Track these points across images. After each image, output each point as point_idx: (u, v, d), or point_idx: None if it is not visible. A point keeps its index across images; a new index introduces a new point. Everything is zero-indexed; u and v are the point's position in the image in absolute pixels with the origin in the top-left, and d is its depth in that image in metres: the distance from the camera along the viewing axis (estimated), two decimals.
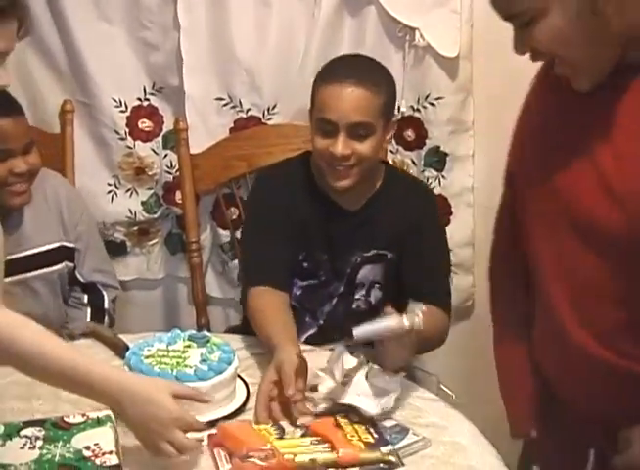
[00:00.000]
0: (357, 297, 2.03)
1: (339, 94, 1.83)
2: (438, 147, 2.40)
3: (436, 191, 2.42)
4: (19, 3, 1.53)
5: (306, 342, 1.90)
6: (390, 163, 2.39)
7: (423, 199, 2.06)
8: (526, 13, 1.31)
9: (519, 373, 1.62)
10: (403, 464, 1.40)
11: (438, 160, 2.41)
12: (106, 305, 2.19)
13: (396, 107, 2.02)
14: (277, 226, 1.95)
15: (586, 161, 1.39)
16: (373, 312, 1.87)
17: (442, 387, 1.74)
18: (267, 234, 1.95)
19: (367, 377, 1.53)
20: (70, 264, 2.14)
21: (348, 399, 1.50)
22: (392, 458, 1.40)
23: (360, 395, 1.50)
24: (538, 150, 1.52)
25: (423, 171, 2.43)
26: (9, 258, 1.94)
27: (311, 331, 2.03)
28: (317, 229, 1.98)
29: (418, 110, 2.38)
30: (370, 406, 1.49)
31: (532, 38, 1.33)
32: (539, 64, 1.49)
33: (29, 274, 2.06)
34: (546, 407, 1.57)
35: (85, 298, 2.18)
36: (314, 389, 1.58)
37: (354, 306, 2.04)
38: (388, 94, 1.89)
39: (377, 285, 2.03)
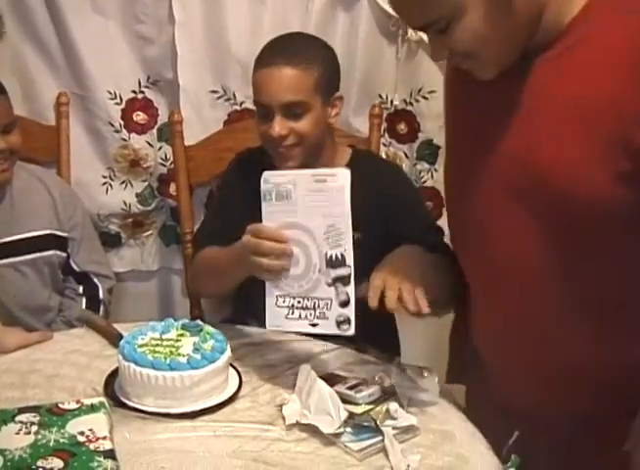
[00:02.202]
0: None
1: (268, 76, 1.86)
2: (431, 140, 2.42)
3: (429, 184, 2.44)
4: None
5: None
6: (383, 155, 2.42)
7: (389, 175, 2.05)
8: (441, 20, 1.31)
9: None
10: (382, 432, 1.41)
11: (431, 153, 2.43)
12: (101, 296, 2.21)
13: (338, 80, 1.99)
14: (236, 212, 1.92)
15: (500, 144, 1.42)
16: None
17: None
18: (226, 217, 1.98)
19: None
20: (62, 254, 2.16)
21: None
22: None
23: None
24: (457, 134, 1.59)
25: (415, 164, 2.45)
26: None
27: None
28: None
29: (410, 103, 2.41)
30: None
31: (451, 42, 1.34)
32: None
33: (18, 258, 2.09)
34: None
35: (80, 288, 2.21)
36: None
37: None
38: (324, 69, 1.89)
39: None
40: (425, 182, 2.46)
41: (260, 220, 1.66)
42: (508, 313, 1.50)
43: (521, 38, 1.35)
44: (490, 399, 1.60)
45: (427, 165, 2.44)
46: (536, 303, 1.45)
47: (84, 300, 2.19)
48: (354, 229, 1.80)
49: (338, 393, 1.49)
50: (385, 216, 1.96)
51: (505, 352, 1.55)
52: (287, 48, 1.90)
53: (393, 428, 1.43)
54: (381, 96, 2.41)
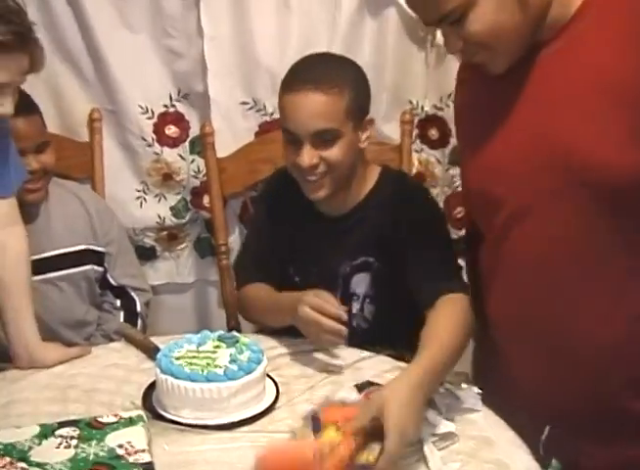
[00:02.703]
0: (354, 312, 1.92)
1: (295, 103, 1.74)
2: None
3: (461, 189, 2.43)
4: (27, 38, 1.56)
5: None
6: (415, 161, 2.41)
7: (410, 200, 1.89)
8: (456, 10, 1.35)
9: None
10: (421, 440, 1.40)
11: None
12: (139, 309, 2.23)
13: (369, 103, 1.87)
14: (267, 241, 1.99)
15: (506, 134, 1.49)
16: (372, 331, 1.92)
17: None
18: (264, 242, 2.00)
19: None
20: (98, 268, 2.18)
21: None
22: None
23: None
24: (470, 126, 1.63)
25: (448, 169, 2.44)
26: (37, 257, 2.01)
27: None
28: (304, 240, 1.94)
29: (441, 109, 2.40)
30: None
31: (465, 33, 1.38)
32: None
33: (55, 274, 2.11)
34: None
35: (118, 302, 2.23)
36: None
37: (354, 325, 1.91)
38: (355, 93, 1.77)
39: (367, 298, 1.93)
40: (458, 187, 2.45)
41: (301, 238, 1.84)
42: (524, 298, 1.55)
43: (532, 28, 1.39)
44: (511, 398, 1.60)
45: (459, 170, 2.43)
46: (555, 282, 1.49)
47: (122, 313, 2.21)
48: (368, 254, 1.86)
49: None
50: (399, 242, 1.83)
51: (522, 337, 1.59)
52: (314, 71, 1.78)
53: (432, 435, 1.43)
54: (411, 102, 2.41)
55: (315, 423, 1.39)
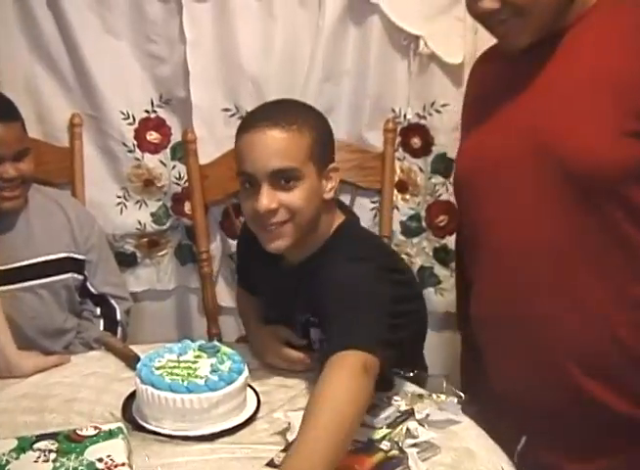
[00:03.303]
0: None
1: (252, 141, 1.60)
2: (445, 153, 2.40)
3: (444, 197, 2.43)
4: None
5: None
6: (398, 170, 2.42)
7: (348, 261, 1.63)
8: None
9: None
10: (404, 451, 1.40)
11: (445, 166, 2.41)
12: (119, 317, 2.21)
13: (332, 151, 1.73)
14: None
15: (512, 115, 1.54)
16: None
17: (452, 388, 1.74)
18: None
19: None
20: (78, 276, 2.16)
21: None
22: (396, 451, 1.39)
23: None
24: (470, 116, 1.70)
25: (430, 178, 2.44)
26: (17, 265, 1.99)
27: None
28: (266, 285, 1.86)
29: (424, 117, 2.39)
30: None
31: None
32: None
33: (35, 282, 2.08)
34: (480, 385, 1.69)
35: (98, 310, 2.20)
36: None
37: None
38: (317, 135, 1.64)
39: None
40: (440, 196, 2.44)
41: (263, 280, 1.88)
42: (506, 298, 1.58)
43: (563, 5, 1.46)
44: (493, 404, 1.63)
45: (441, 179, 2.43)
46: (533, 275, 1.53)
47: (102, 321, 2.19)
48: (311, 314, 1.74)
49: None
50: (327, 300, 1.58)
51: (501, 336, 1.62)
52: (274, 110, 1.68)
53: (414, 445, 1.43)
54: (394, 110, 2.40)
55: None
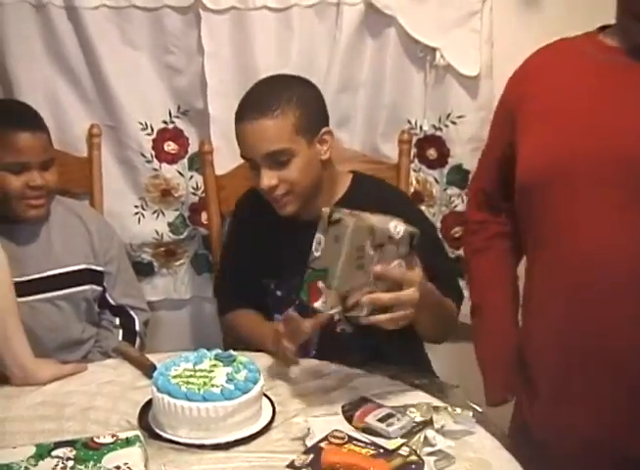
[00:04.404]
0: (338, 318, 1.90)
1: (245, 131, 1.85)
2: (460, 165, 2.41)
3: (459, 209, 2.44)
4: None
5: None
6: (413, 181, 2.42)
7: (390, 195, 2.00)
8: None
9: (501, 338, 1.72)
10: (422, 459, 1.40)
11: (461, 178, 2.42)
12: (137, 328, 2.23)
13: (323, 115, 1.93)
14: (245, 262, 2.06)
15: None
16: (358, 335, 1.89)
17: (468, 401, 1.74)
18: (241, 263, 2.07)
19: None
20: (97, 288, 2.18)
21: None
22: (414, 457, 1.40)
23: None
24: (549, 109, 1.57)
25: (445, 189, 2.45)
26: (36, 276, 2.00)
27: None
28: (287, 251, 1.94)
29: (440, 129, 2.40)
30: None
31: None
32: None
33: (54, 293, 2.10)
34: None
35: (117, 320, 2.22)
36: None
37: (338, 330, 1.95)
38: (301, 110, 1.84)
39: None
40: (455, 207, 2.46)
41: (282, 250, 1.93)
42: (593, 316, 1.47)
43: None
44: (532, 439, 1.56)
45: (457, 190, 2.44)
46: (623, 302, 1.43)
47: (120, 332, 2.21)
48: None
49: (368, 426, 1.50)
50: None
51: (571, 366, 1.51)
52: (258, 99, 1.87)
53: (431, 454, 1.43)
54: (410, 122, 2.42)
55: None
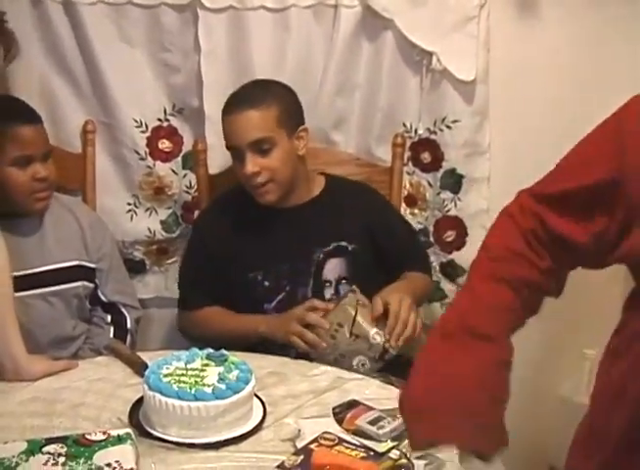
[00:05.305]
0: (328, 297, 2.13)
1: (234, 121, 2.04)
2: (454, 169, 2.42)
3: (452, 213, 2.45)
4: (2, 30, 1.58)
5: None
6: (407, 184, 2.43)
7: (363, 194, 2.23)
8: None
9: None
10: (412, 462, 1.40)
11: (454, 182, 2.43)
12: (129, 325, 2.23)
13: (300, 115, 2.14)
14: (207, 267, 2.18)
15: None
16: None
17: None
18: (203, 272, 2.20)
19: None
20: (89, 284, 2.18)
21: None
22: (404, 460, 1.40)
23: None
24: None
25: (439, 193, 2.45)
26: (29, 271, 2.00)
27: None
28: (273, 241, 2.13)
29: (434, 132, 2.41)
30: None
31: None
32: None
33: (46, 289, 2.10)
34: None
35: (108, 317, 2.22)
36: None
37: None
38: (283, 106, 2.06)
39: (344, 280, 2.14)
40: (448, 211, 2.46)
41: (266, 239, 2.10)
42: None
43: None
44: None
45: (450, 194, 2.44)
46: None
47: (112, 329, 2.20)
48: (349, 242, 2.12)
49: (359, 428, 1.50)
50: (369, 231, 2.15)
51: None
52: (246, 94, 2.08)
53: (421, 457, 1.43)
54: (405, 125, 2.42)
55: None
